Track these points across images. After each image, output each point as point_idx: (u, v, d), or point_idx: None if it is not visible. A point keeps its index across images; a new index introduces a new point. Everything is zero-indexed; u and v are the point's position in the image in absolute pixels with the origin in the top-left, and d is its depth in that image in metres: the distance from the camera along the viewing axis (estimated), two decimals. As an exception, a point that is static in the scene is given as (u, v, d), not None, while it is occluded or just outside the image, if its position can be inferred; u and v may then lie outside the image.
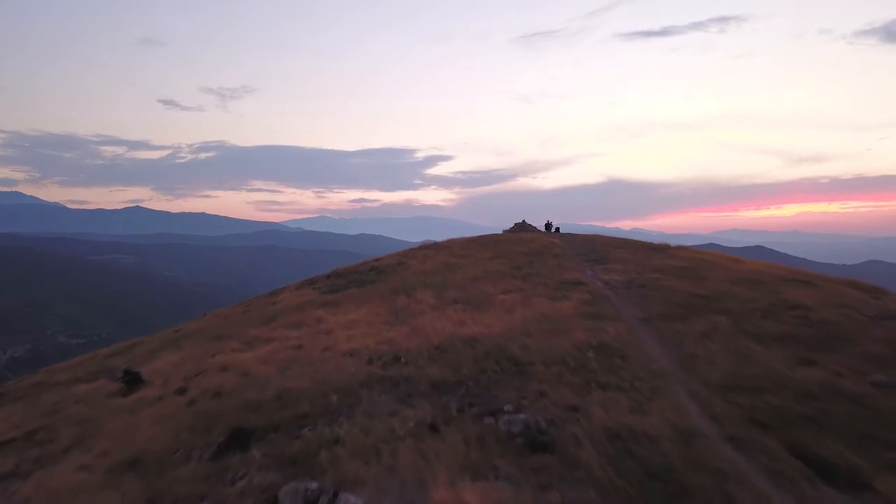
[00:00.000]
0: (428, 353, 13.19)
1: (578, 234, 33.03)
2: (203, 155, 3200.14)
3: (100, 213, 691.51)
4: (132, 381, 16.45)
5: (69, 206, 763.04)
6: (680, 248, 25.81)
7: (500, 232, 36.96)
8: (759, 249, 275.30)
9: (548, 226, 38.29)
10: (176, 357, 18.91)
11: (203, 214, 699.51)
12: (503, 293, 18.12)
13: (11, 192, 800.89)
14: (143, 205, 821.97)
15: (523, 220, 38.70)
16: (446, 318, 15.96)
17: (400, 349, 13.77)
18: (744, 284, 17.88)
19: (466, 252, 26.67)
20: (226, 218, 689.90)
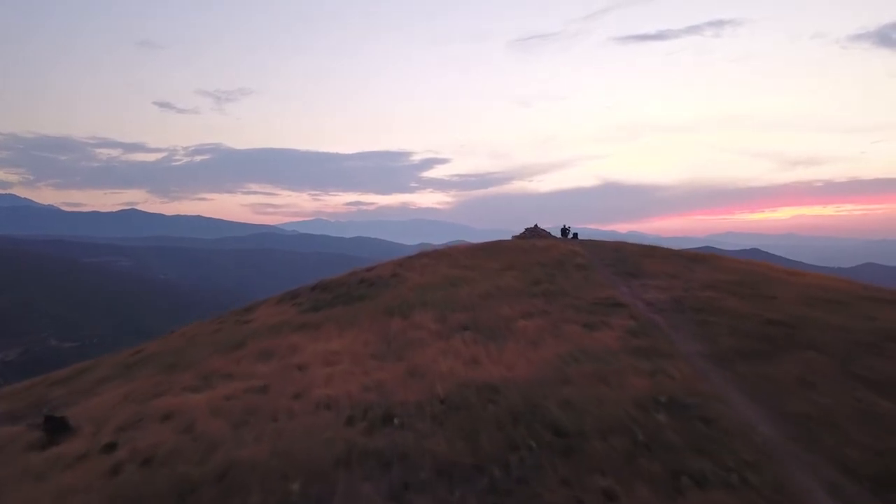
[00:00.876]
0: (431, 410, 9.59)
1: (600, 241, 29.37)
2: (199, 157, 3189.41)
3: (95, 216, 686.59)
4: (56, 428, 12.90)
5: (64, 208, 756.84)
6: (721, 257, 22.25)
7: (508, 238, 33.45)
8: (755, 252, 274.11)
9: (564, 231, 34.64)
10: (121, 392, 15.28)
11: (198, 217, 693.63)
12: (523, 317, 14.47)
13: (6, 194, 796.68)
14: (139, 207, 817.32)
15: (535, 225, 35.05)
16: (453, 353, 12.36)
17: (392, 401, 10.17)
18: (822, 306, 14.32)
19: (472, 262, 23.13)
20: (221, 220, 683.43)
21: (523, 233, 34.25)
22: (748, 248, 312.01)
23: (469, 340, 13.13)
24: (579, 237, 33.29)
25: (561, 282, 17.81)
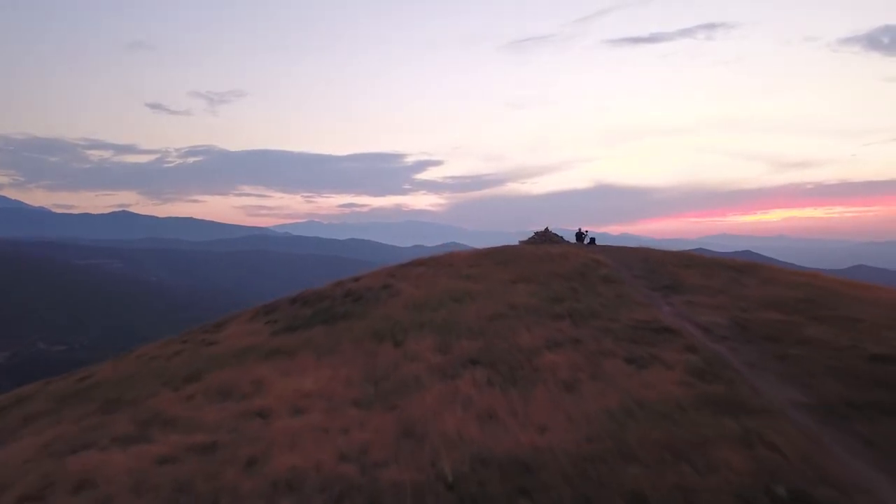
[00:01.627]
0: (435, 500, 6.57)
1: (621, 247, 26.59)
2: (191, 159, 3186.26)
3: (86, 218, 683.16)
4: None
5: (55, 210, 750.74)
6: (770, 267, 19.10)
7: (513, 242, 30.40)
8: (747, 254, 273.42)
9: (579, 235, 31.18)
10: (43, 439, 12.13)
11: (190, 219, 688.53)
12: (549, 347, 11.30)
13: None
14: (130, 209, 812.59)
15: (546, 228, 31.43)
16: (461, 401, 9.21)
17: (379, 481, 7.12)
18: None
19: (477, 272, 20.06)
20: (213, 223, 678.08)
21: (532, 237, 30.96)
22: (741, 249, 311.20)
23: (481, 381, 10.00)
24: (596, 242, 30.10)
25: (588, 298, 14.64)
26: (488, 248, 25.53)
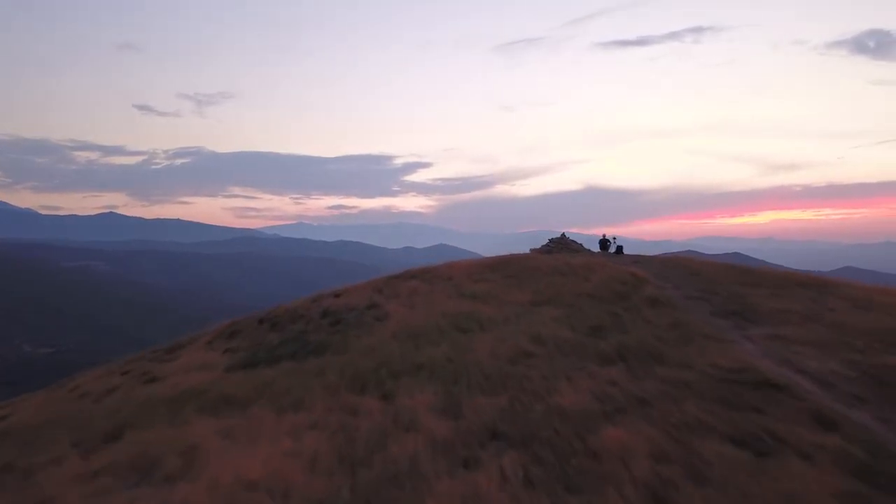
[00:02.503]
0: None
1: (659, 257, 22.83)
2: (179, 161, 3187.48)
3: (73, 219, 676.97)
4: None
5: (42, 211, 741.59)
6: (849, 283, 15.36)
7: (525, 250, 25.47)
8: (736, 256, 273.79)
9: (605, 242, 26.80)
10: None
11: (178, 221, 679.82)
12: (607, 414, 7.61)
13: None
14: (118, 211, 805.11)
15: (563, 234, 27.31)
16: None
17: None
18: None
19: (484, 288, 16.49)
20: (201, 224, 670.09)
21: (547, 245, 26.57)
22: (730, 251, 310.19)
23: (513, 476, 6.48)
24: (624, 250, 25.45)
25: (637, 329, 10.98)
26: (494, 258, 21.96)
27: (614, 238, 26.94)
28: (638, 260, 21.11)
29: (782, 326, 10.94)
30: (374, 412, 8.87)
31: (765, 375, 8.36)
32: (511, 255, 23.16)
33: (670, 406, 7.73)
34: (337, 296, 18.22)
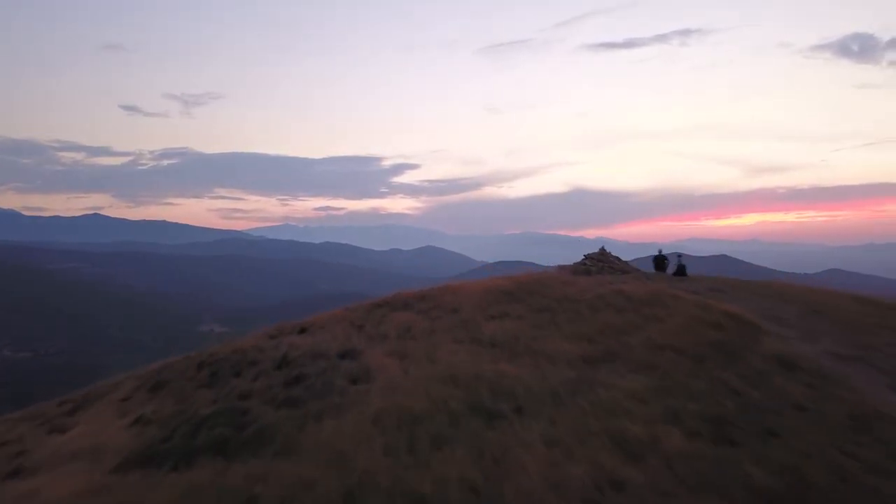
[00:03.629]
0: None
1: (739, 281, 17.16)
2: (166, 162, 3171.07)
3: (57, 221, 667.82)
4: None
5: (25, 212, 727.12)
6: None
7: (550, 267, 21.20)
8: (723, 258, 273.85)
9: (660, 260, 20.64)
10: None
11: (164, 222, 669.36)
12: None
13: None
14: (103, 212, 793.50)
15: (602, 249, 21.22)
16: None
17: None
18: None
19: (506, 330, 11.63)
20: (187, 226, 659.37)
21: (583, 261, 20.87)
22: (717, 254, 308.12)
23: None
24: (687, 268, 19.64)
25: (790, 425, 6.30)
26: (512, 280, 16.50)
27: (680, 256, 20.44)
28: (718, 287, 15.49)
29: None
30: None
31: None
32: (534, 275, 17.62)
33: None
34: (302, 330, 13.49)
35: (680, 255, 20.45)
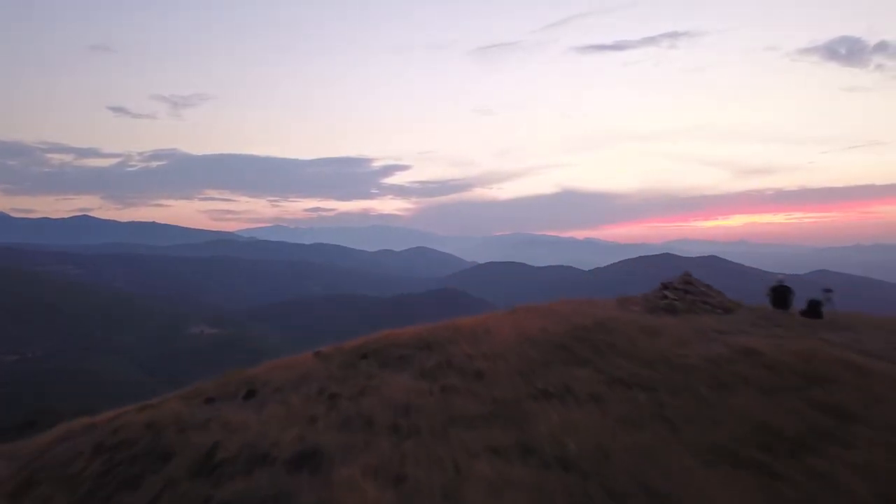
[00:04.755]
0: None
1: (859, 315, 13.64)
2: (155, 163, 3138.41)
3: (45, 223, 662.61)
4: None
5: (13, 214, 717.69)
6: None
7: (611, 297, 16.02)
8: (713, 259, 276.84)
9: (780, 292, 13.85)
10: None
11: (153, 224, 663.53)
12: None
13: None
14: (92, 214, 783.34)
15: (686, 273, 15.70)
16: None
17: None
18: None
19: (575, 424, 6.71)
20: (176, 227, 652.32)
21: (661, 291, 14.95)
22: (706, 254, 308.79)
23: None
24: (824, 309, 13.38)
25: None
26: (558, 317, 11.74)
27: (828, 291, 13.91)
28: (861, 328, 11.30)
29: None
30: None
31: None
32: (588, 311, 12.72)
33: None
34: (250, 394, 9.69)
35: (829, 291, 13.85)
